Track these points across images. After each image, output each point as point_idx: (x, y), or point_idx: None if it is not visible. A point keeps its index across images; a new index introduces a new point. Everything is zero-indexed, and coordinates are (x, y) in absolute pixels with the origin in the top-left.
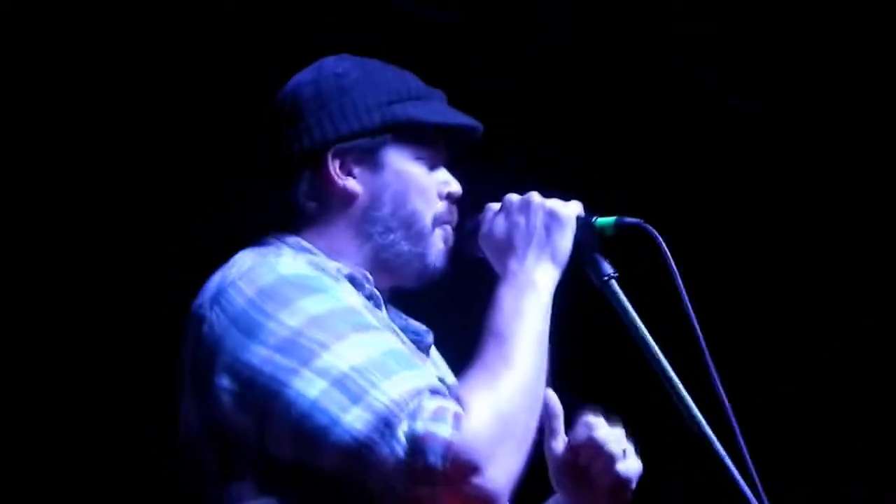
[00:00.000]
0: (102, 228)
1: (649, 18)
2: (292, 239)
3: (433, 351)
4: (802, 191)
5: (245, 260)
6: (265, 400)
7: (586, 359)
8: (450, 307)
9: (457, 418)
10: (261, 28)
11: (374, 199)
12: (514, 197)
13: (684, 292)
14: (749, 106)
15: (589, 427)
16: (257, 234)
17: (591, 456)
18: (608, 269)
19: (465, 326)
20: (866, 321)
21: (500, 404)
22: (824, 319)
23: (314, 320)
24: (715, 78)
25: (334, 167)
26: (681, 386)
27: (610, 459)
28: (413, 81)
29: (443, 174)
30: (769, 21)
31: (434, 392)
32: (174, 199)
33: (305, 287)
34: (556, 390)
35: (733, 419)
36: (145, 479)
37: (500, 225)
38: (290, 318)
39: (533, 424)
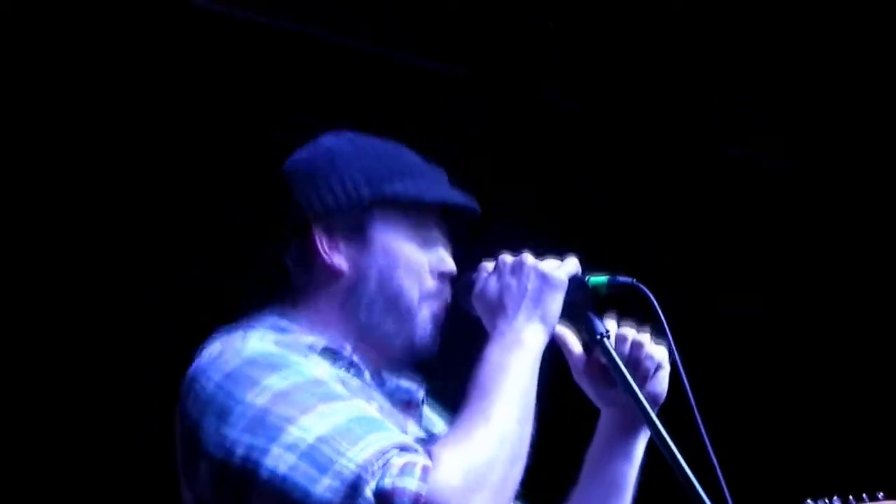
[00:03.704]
0: (112, 254)
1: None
2: (270, 319)
3: (426, 408)
4: (815, 258)
5: (215, 346)
6: (242, 482)
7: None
8: (449, 361)
9: (425, 471)
10: (267, 84)
11: (360, 277)
12: (507, 257)
13: (675, 351)
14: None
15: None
16: (244, 303)
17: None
18: (601, 327)
19: (464, 380)
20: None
21: (472, 455)
22: (830, 390)
23: (279, 396)
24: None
25: (321, 242)
26: (673, 444)
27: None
28: (409, 157)
29: (436, 252)
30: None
31: (403, 449)
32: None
33: (269, 365)
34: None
35: (722, 479)
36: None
37: (492, 285)
38: (257, 398)
39: (513, 475)
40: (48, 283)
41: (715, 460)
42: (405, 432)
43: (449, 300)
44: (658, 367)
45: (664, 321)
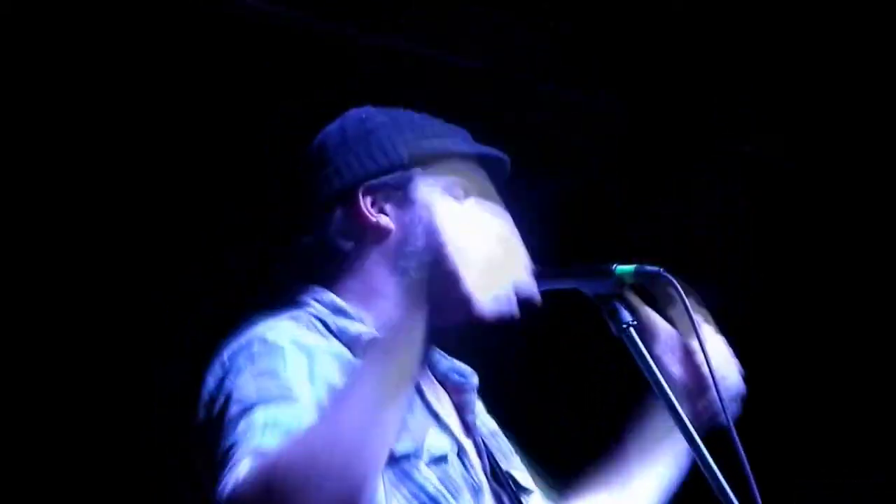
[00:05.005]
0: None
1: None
2: (323, 295)
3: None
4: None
5: (230, 347)
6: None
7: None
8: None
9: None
10: (286, 80)
11: (407, 234)
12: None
13: (704, 341)
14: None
15: None
16: (291, 280)
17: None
18: (627, 317)
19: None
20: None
21: (281, 464)
22: (830, 388)
23: (234, 395)
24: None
25: (366, 205)
26: (696, 434)
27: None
28: (437, 121)
29: (474, 207)
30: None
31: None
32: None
33: (252, 357)
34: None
35: (749, 472)
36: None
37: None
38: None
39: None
40: (48, 283)
41: (741, 451)
42: (442, 426)
43: None
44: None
45: (690, 310)
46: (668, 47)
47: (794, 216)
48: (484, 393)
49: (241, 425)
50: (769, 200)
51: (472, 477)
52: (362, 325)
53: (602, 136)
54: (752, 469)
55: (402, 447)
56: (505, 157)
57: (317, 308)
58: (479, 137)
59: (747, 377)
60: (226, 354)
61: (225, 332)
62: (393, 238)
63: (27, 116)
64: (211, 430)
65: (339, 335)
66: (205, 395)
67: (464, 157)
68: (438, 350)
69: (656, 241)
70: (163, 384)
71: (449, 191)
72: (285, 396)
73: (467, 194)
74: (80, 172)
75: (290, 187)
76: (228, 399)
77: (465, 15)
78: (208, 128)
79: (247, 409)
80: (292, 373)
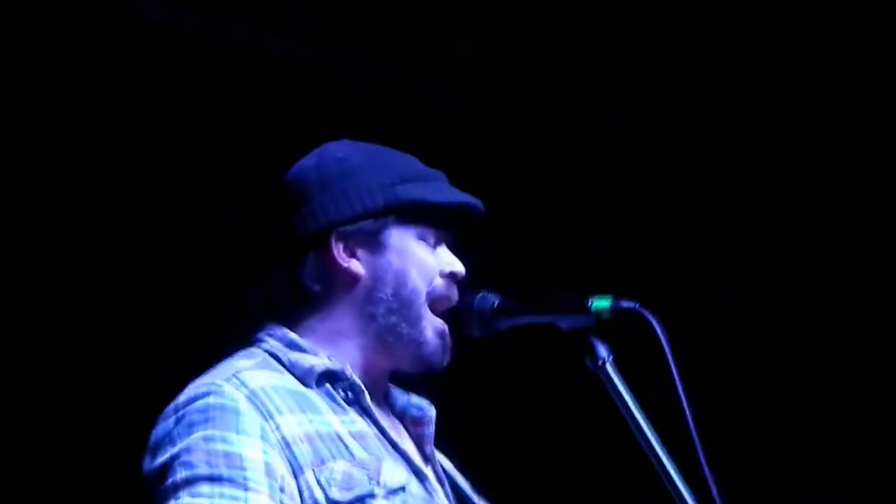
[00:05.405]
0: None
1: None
2: (280, 332)
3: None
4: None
5: (186, 392)
6: None
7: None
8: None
9: None
10: (264, 106)
11: (377, 280)
12: None
13: (677, 375)
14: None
15: None
16: (255, 314)
17: None
18: (603, 352)
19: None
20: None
21: None
22: (832, 390)
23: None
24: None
25: (338, 250)
26: (673, 469)
27: None
28: (414, 163)
29: (445, 253)
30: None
31: None
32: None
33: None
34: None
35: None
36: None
37: None
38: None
39: None
40: (49, 283)
41: (715, 491)
42: (400, 454)
43: (456, 301)
44: None
45: (666, 345)
46: (667, 47)
47: (794, 216)
48: (455, 436)
49: (184, 499)
50: (769, 200)
51: (434, 500)
52: (315, 358)
53: (602, 136)
54: (752, 469)
55: (357, 490)
56: (478, 203)
57: (271, 343)
58: (478, 139)
59: (748, 378)
60: (181, 400)
61: (224, 333)
62: (363, 283)
63: (29, 119)
64: (153, 484)
65: (291, 368)
66: (153, 440)
67: (438, 205)
68: (395, 386)
69: (656, 241)
70: (163, 384)
71: (421, 238)
72: (234, 479)
73: (438, 242)
74: (81, 175)
75: (265, 215)
76: (176, 458)
77: (464, 15)
78: (209, 130)
79: (193, 481)
80: (246, 443)
